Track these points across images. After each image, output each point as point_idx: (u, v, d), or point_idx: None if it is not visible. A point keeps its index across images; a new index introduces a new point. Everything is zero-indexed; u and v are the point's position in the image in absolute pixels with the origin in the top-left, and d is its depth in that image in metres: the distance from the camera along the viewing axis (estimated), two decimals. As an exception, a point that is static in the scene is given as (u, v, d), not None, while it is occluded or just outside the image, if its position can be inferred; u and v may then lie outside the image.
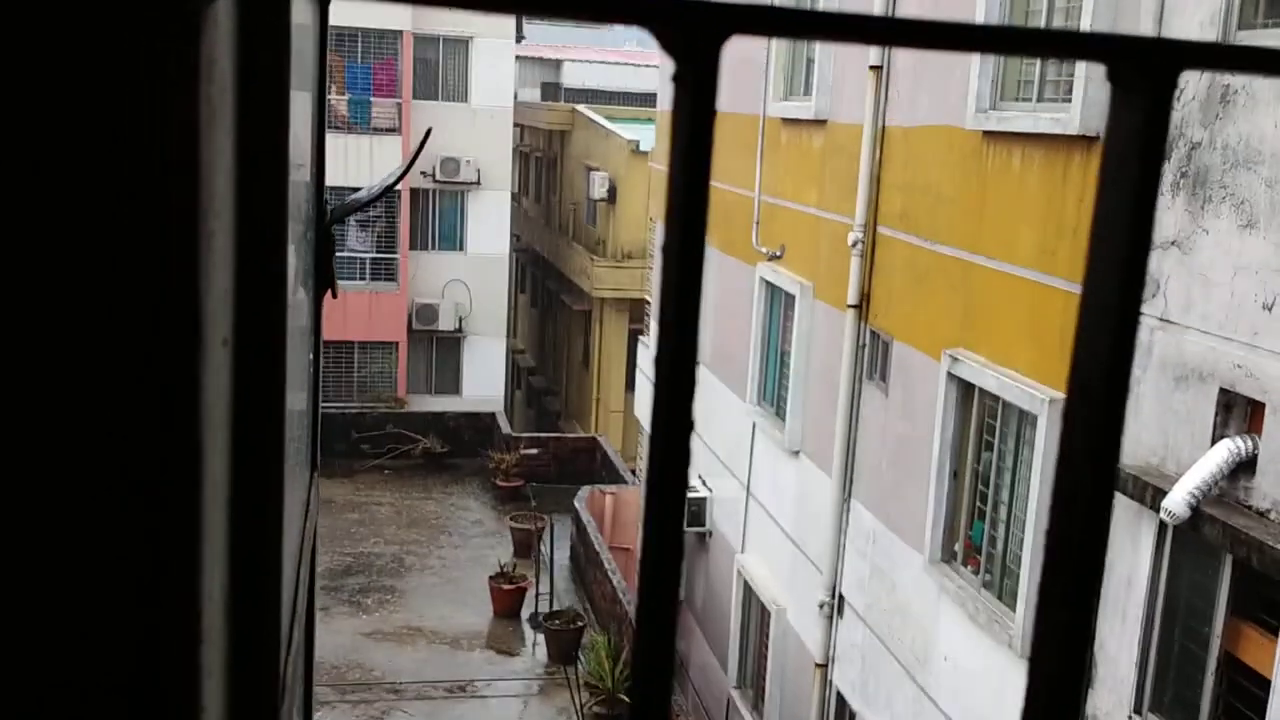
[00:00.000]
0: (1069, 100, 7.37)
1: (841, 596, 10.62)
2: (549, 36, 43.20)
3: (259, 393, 0.76)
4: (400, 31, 24.23)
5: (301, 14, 1.45)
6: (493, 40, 25.23)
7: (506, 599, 16.58)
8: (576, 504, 18.25)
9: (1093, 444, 0.39)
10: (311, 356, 1.79)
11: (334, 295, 1.96)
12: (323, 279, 1.90)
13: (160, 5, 0.47)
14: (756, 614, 12.72)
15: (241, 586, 0.94)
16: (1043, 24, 7.83)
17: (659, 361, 0.35)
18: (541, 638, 15.86)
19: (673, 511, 0.40)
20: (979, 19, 8.29)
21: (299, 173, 1.41)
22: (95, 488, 0.56)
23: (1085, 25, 7.08)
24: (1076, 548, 0.43)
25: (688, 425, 0.36)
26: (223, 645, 0.85)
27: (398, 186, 23.99)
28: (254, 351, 0.73)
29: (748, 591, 12.88)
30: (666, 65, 0.35)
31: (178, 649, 0.61)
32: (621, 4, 0.33)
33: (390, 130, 24.22)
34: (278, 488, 0.91)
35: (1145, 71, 0.36)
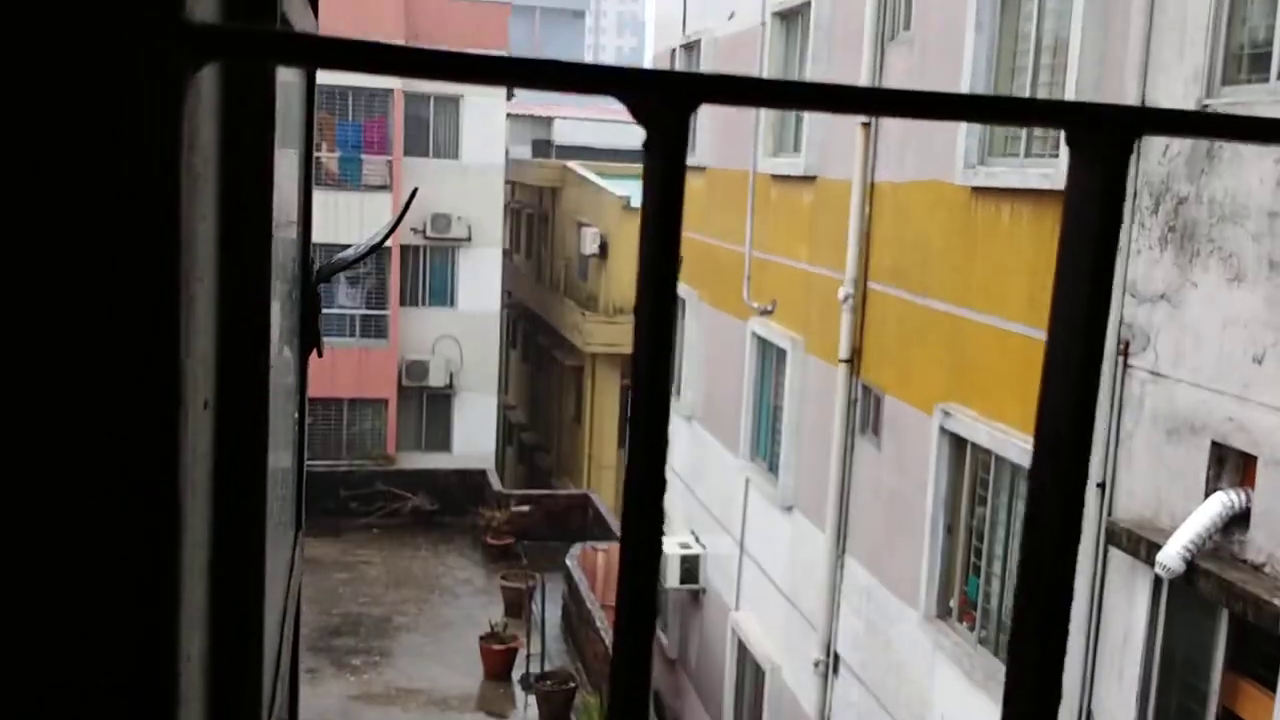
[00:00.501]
0: (1056, 155, 7.47)
1: (837, 654, 10.52)
2: (540, 94, 43.69)
3: (241, 454, 0.76)
4: (391, 90, 24.49)
5: (288, 71, 1.47)
6: (484, 98, 25.50)
7: (497, 660, 16.38)
8: (568, 562, 18.11)
9: (1059, 504, 0.39)
10: (296, 415, 1.79)
11: (319, 354, 1.96)
12: (308, 338, 1.90)
13: (143, 75, 0.48)
14: (751, 672, 12.58)
15: (223, 647, 0.93)
16: (1029, 79, 7.95)
17: (633, 423, 0.35)
18: (533, 699, 15.64)
19: (647, 569, 0.39)
20: (965, 74, 8.41)
21: (285, 230, 1.42)
22: (72, 551, 0.56)
23: (1071, 80, 7.19)
24: (1045, 602, 0.43)
25: (660, 485, 0.36)
26: (203, 707, 0.83)
27: (388, 243, 24.10)
28: (236, 413, 0.73)
29: (742, 649, 12.75)
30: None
31: (155, 712, 0.60)
32: (592, 75, 0.34)
33: (381, 187, 24.38)
34: (260, 550, 0.91)
35: (1102, 137, 0.37)
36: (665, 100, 0.34)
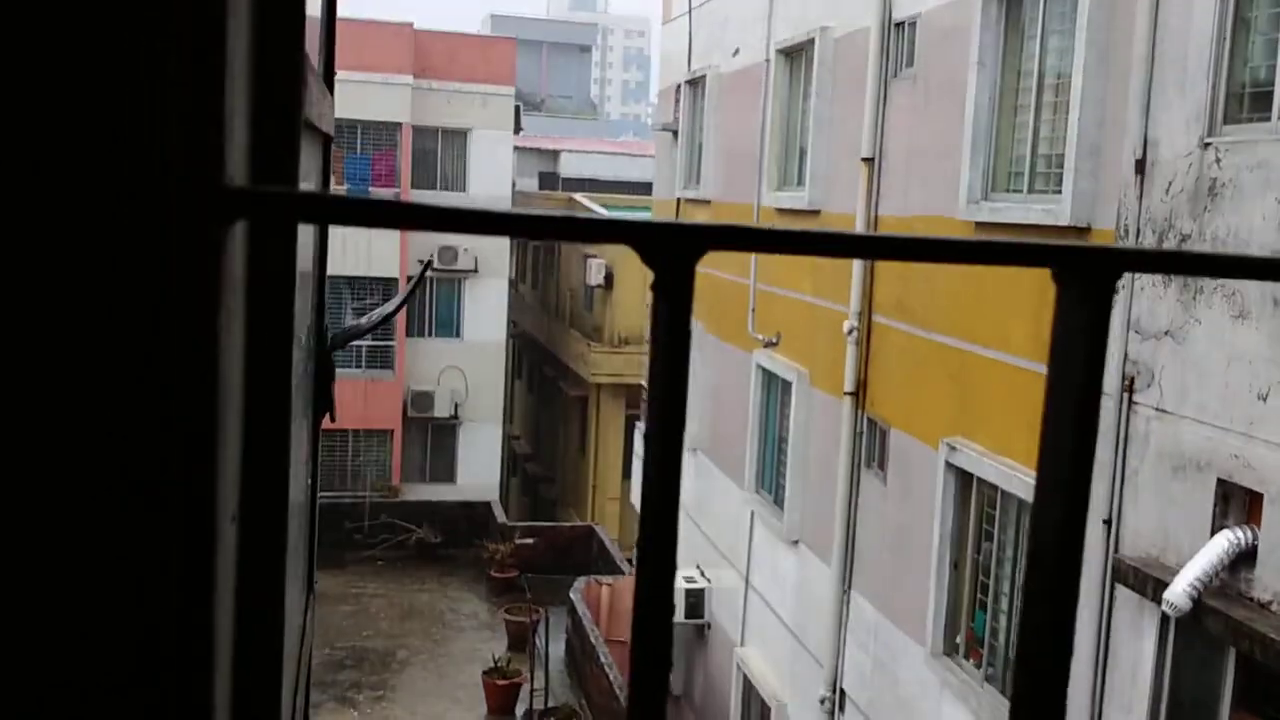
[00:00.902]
0: (1059, 192, 7.49)
1: (843, 691, 10.45)
2: (547, 128, 44.00)
3: (260, 558, 0.79)
4: (399, 124, 24.66)
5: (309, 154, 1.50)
6: (491, 131, 25.67)
7: (500, 695, 16.27)
8: (572, 595, 18.03)
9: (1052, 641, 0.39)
10: (309, 481, 1.80)
11: (333, 419, 1.98)
12: (322, 404, 1.92)
13: (184, 234, 0.52)
14: (757, 710, 12.49)
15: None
16: (1031, 116, 7.99)
17: (640, 572, 0.36)
18: (537, 734, 15.54)
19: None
20: (968, 111, 8.45)
21: (302, 296, 1.44)
22: (103, 675, 0.58)
23: (1073, 118, 7.23)
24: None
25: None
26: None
27: (394, 275, 24.19)
28: (258, 525, 0.76)
29: (747, 686, 12.67)
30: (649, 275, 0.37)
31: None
32: (606, 226, 0.36)
33: (389, 220, 24.47)
34: (277, 665, 0.93)
35: (1087, 276, 0.38)
36: (673, 249, 0.35)
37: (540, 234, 0.38)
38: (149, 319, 0.54)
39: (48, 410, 0.54)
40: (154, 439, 0.55)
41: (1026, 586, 0.44)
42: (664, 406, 0.36)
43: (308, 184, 1.64)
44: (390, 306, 2.65)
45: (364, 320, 2.50)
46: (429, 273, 25.09)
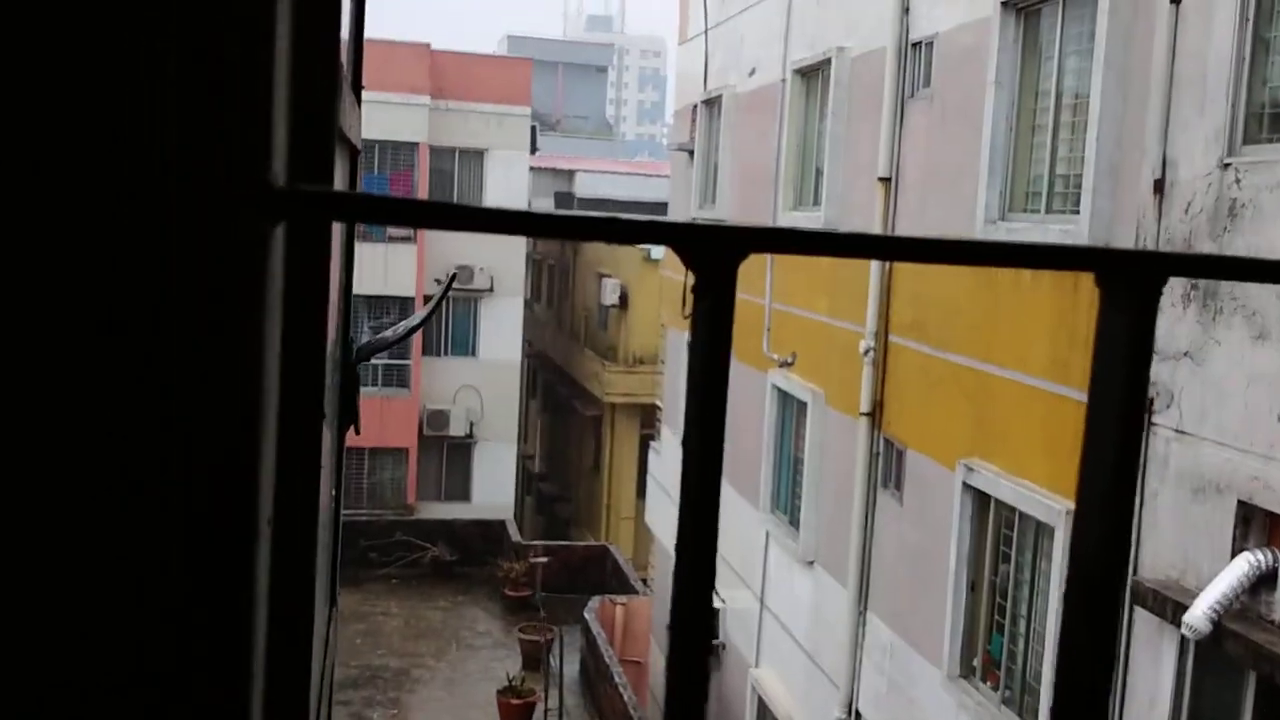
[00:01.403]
0: (1077, 212, 7.48)
1: (858, 713, 10.37)
2: (562, 148, 44.19)
3: (292, 565, 0.79)
4: (416, 144, 24.79)
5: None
6: (507, 152, 25.78)
7: (515, 714, 16.22)
8: (587, 615, 17.97)
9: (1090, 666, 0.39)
10: (334, 493, 1.81)
11: (357, 432, 1.98)
12: (347, 416, 1.92)
13: (231, 233, 0.53)
14: (771, 729, 12.41)
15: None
16: (1049, 136, 7.98)
17: (677, 587, 0.36)
18: (551, 753, 15.47)
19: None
20: (985, 131, 8.46)
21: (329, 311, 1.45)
22: (103, 675, 0.58)
23: (1091, 138, 7.21)
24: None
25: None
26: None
27: (411, 293, 24.27)
28: (289, 526, 0.76)
29: (762, 707, 12.59)
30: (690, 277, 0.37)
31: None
32: (647, 228, 0.36)
33: (405, 239, 24.61)
34: (306, 668, 0.93)
35: (1132, 281, 0.38)
36: (716, 251, 0.35)
37: (580, 235, 0.38)
38: (196, 317, 0.54)
39: (70, 406, 0.54)
40: (193, 435, 0.55)
41: (1066, 600, 0.45)
42: (704, 410, 0.36)
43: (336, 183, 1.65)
44: (417, 319, 2.67)
45: (389, 332, 2.51)
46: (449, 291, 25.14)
